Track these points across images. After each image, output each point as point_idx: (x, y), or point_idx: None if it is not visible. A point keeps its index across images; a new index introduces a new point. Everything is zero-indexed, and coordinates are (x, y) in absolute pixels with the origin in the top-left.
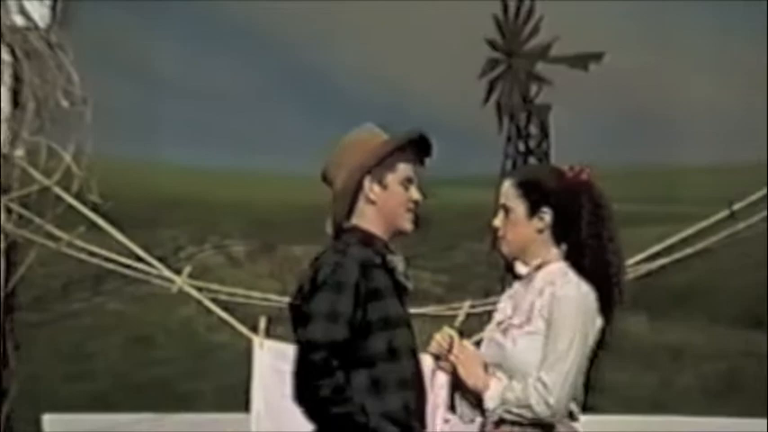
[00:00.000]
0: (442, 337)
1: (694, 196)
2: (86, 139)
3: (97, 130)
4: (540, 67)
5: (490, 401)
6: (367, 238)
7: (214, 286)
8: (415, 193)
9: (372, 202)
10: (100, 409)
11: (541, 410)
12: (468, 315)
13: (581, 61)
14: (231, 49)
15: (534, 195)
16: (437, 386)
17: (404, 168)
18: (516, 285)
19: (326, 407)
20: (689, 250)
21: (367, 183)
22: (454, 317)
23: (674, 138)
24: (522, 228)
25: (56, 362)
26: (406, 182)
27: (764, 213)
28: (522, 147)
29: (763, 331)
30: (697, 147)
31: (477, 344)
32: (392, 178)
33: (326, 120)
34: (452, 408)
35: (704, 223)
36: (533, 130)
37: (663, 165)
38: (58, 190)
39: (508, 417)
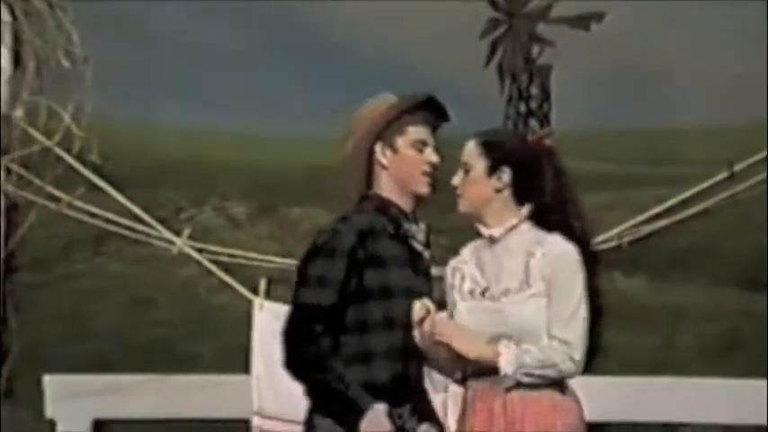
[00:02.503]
0: (419, 307)
1: (695, 157)
2: (87, 100)
3: (98, 90)
4: (542, 28)
5: (508, 367)
6: (383, 205)
7: (214, 248)
8: (431, 156)
9: (385, 167)
10: (100, 370)
11: (568, 368)
12: None
13: (582, 22)
14: (234, 9)
15: (495, 154)
16: None
17: (414, 131)
18: (474, 251)
19: (307, 371)
20: (689, 211)
21: (378, 148)
22: None
23: (675, 98)
24: (481, 186)
25: (56, 323)
26: (420, 144)
27: (764, 174)
28: (523, 108)
29: (762, 292)
30: (698, 107)
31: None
32: (402, 141)
33: (327, 81)
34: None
35: (704, 184)
36: (534, 91)
37: (664, 125)
38: (58, 151)
39: (526, 380)
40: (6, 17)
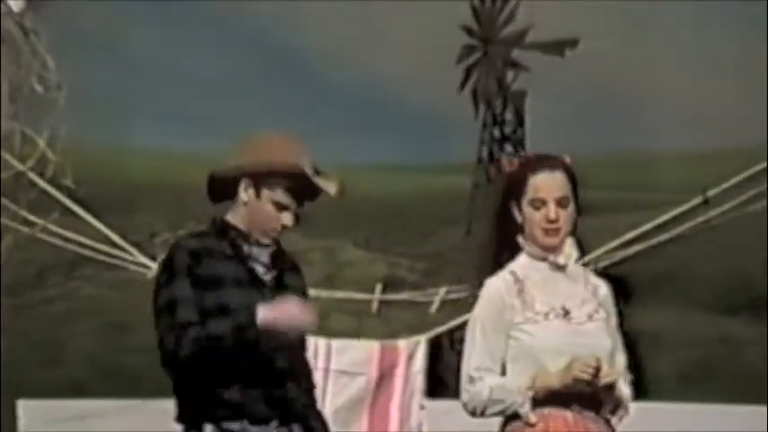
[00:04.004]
0: (593, 362)
1: (669, 183)
2: (61, 125)
3: (72, 115)
4: (517, 53)
5: (628, 397)
6: (224, 229)
7: None
8: (286, 219)
9: (245, 204)
10: (75, 394)
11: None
12: (444, 301)
13: (557, 48)
14: (207, 33)
15: (575, 187)
16: (413, 373)
17: (279, 192)
18: (527, 274)
19: (193, 355)
20: (664, 237)
21: (243, 184)
22: (430, 303)
23: (648, 125)
24: (572, 220)
25: (31, 347)
26: (278, 205)
27: (738, 200)
28: (497, 133)
29: (737, 318)
30: (672, 134)
31: (459, 328)
32: (266, 193)
33: (302, 105)
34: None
35: (678, 210)
36: (509, 116)
37: (638, 152)
38: (32, 175)
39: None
40: None
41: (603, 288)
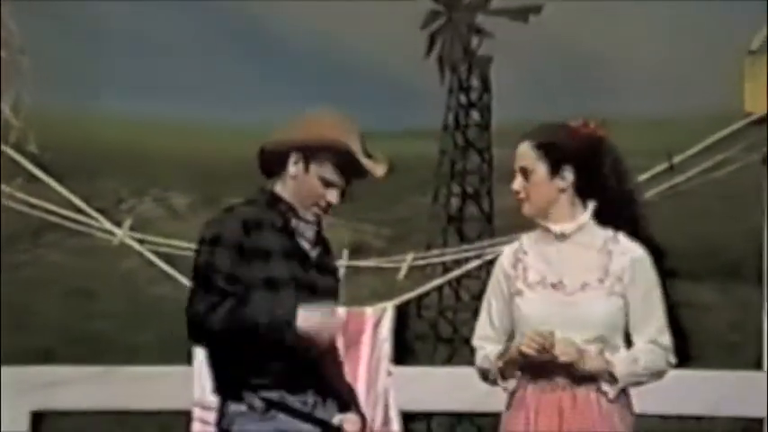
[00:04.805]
0: (544, 335)
1: (634, 149)
2: (24, 90)
3: (36, 80)
4: (481, 19)
5: (624, 379)
6: (273, 201)
7: (155, 239)
8: (332, 196)
9: (293, 177)
10: (41, 361)
11: (666, 371)
12: (411, 268)
13: (520, 14)
14: (174, 1)
15: (554, 155)
16: (380, 340)
17: (326, 168)
18: (533, 243)
19: (220, 328)
20: None
21: (293, 158)
22: (397, 269)
23: (613, 90)
24: (545, 188)
25: None
26: (325, 181)
27: (704, 166)
28: (463, 99)
29: (702, 284)
30: (637, 99)
31: (427, 295)
32: (314, 169)
33: (270, 72)
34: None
35: (644, 176)
36: (475, 82)
37: (602, 117)
38: None
39: (628, 386)
40: None
41: (629, 255)
